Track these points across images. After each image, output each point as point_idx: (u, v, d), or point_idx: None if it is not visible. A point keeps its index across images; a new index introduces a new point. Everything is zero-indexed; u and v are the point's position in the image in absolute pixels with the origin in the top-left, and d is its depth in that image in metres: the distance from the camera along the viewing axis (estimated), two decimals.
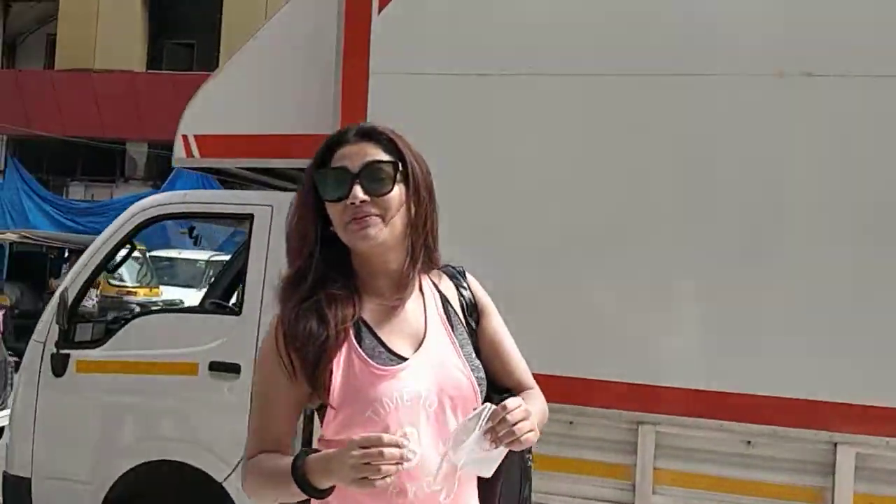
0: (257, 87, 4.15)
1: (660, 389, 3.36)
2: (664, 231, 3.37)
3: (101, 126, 17.66)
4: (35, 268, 13.35)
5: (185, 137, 4.18)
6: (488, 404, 1.51)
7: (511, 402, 1.50)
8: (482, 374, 1.68)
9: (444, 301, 1.71)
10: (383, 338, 1.62)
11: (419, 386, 1.57)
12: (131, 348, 4.11)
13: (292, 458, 1.54)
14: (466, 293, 1.75)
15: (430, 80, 3.72)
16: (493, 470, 1.53)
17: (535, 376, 1.81)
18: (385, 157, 1.61)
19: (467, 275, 1.79)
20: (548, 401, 1.77)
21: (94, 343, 4.19)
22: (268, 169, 4.34)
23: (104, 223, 4.38)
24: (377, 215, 1.57)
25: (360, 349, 1.58)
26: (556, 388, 3.54)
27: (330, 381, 1.57)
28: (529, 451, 1.73)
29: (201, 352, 4.01)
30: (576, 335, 3.44)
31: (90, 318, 4.52)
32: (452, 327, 1.68)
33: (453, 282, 1.76)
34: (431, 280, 1.73)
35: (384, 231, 1.58)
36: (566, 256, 3.48)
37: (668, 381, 3.35)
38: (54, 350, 4.13)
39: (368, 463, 1.40)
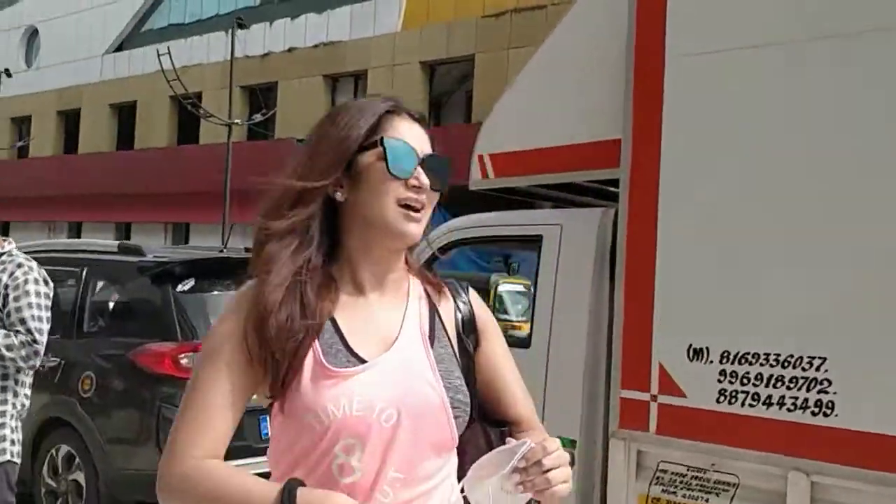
0: (546, 98, 3.74)
1: None
2: None
3: None
4: None
5: (480, 157, 3.90)
6: (528, 440, 1.30)
7: (551, 444, 1.32)
8: (463, 398, 1.44)
9: (434, 312, 1.51)
10: (346, 334, 1.41)
11: (375, 395, 1.36)
12: None
13: (278, 488, 1.27)
14: (465, 308, 1.55)
15: (741, 55, 3.00)
16: None
17: None
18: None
19: (470, 290, 1.60)
20: None
21: None
22: (565, 184, 3.87)
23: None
24: (425, 208, 1.45)
25: (317, 342, 1.38)
26: None
27: None
28: None
29: None
30: None
31: None
32: (433, 339, 1.46)
33: (452, 294, 1.56)
34: (426, 289, 1.54)
35: (423, 227, 1.45)
36: None
37: None
38: None
39: None
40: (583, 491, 3.36)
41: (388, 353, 1.41)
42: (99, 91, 34.01)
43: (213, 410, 1.35)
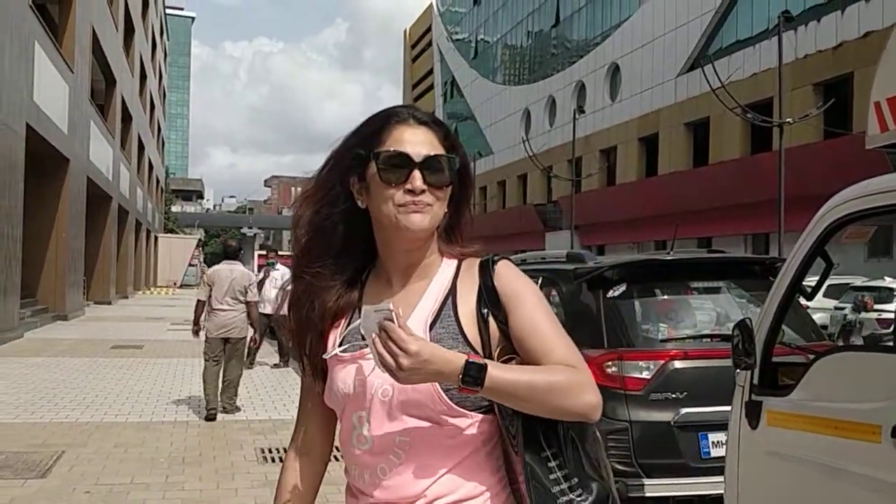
0: None
1: None
2: None
3: None
4: None
5: (877, 105, 2.96)
6: (389, 303, 1.44)
7: (399, 332, 1.40)
8: None
9: (450, 294, 1.62)
10: None
11: (374, 374, 1.54)
12: (816, 398, 3.04)
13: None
14: (489, 283, 1.62)
15: None
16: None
17: None
18: (442, 149, 1.59)
19: (499, 264, 1.64)
20: None
21: (786, 389, 3.24)
22: None
23: None
24: (429, 204, 1.56)
25: (345, 329, 1.63)
26: None
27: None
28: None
29: (884, 409, 2.68)
30: None
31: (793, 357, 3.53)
32: (436, 322, 1.59)
33: (480, 272, 1.64)
34: (458, 268, 1.66)
35: (430, 219, 1.57)
36: None
37: None
38: (748, 397, 3.36)
39: None
40: None
41: None
42: (674, 112, 35.13)
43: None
